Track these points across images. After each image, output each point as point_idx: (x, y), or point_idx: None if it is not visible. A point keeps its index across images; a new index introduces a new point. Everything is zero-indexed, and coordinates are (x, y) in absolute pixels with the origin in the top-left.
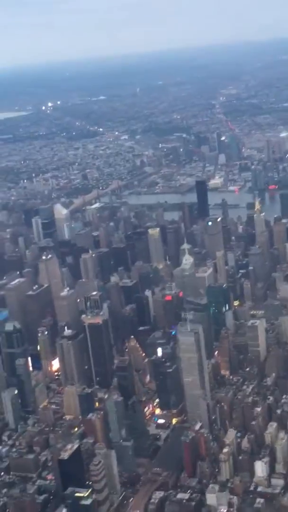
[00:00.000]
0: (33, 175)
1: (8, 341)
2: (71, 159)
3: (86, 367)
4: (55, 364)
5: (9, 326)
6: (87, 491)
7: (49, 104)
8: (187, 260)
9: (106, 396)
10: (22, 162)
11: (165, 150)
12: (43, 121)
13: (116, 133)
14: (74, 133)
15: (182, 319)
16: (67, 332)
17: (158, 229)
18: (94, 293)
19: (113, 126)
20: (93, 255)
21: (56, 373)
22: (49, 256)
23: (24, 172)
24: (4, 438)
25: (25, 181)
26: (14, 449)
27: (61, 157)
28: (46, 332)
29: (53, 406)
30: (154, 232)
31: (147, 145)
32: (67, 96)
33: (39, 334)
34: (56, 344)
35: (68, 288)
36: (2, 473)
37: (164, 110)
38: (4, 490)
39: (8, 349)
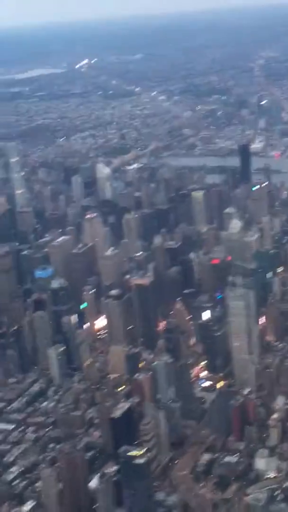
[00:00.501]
0: (74, 133)
1: (54, 299)
2: (108, 118)
3: (131, 327)
4: (99, 323)
5: (56, 284)
6: (141, 450)
7: (85, 62)
8: (236, 224)
9: (151, 357)
10: (58, 120)
11: (203, 112)
12: (78, 79)
13: (153, 93)
14: (110, 92)
15: (229, 283)
16: (114, 291)
17: (202, 192)
18: (139, 254)
19: (151, 86)
20: (136, 215)
21: (99, 332)
22: (94, 214)
23: (61, 130)
24: (50, 393)
25: (63, 139)
26: (60, 405)
27: (98, 116)
28: (92, 291)
29: (97, 365)
30: (198, 195)
31: (185, 107)
32: (102, 54)
33: (85, 293)
34: (101, 304)
35: (113, 248)
36: (49, 428)
37: (202, 72)
38: (52, 445)
39: (54, 306)
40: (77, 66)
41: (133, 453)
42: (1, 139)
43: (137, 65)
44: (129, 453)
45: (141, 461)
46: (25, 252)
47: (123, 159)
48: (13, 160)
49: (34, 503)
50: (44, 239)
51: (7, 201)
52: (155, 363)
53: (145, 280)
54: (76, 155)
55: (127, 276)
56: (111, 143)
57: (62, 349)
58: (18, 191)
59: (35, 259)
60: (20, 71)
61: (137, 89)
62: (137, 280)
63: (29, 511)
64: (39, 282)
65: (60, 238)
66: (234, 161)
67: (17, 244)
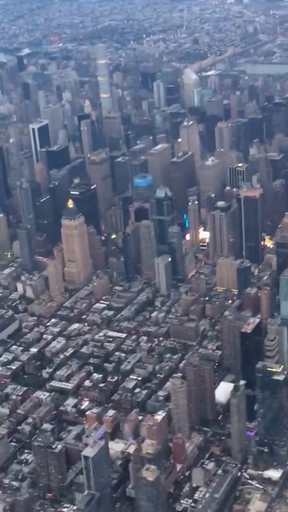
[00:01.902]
0: (143, 36)
1: (158, 208)
2: (177, 21)
3: (233, 240)
4: (200, 234)
5: (160, 193)
6: (280, 366)
7: None
8: None
9: (256, 272)
10: (125, 21)
11: (277, 17)
12: None
13: None
14: None
15: None
16: (221, 203)
17: None
18: (240, 164)
19: None
20: (229, 124)
21: (202, 244)
22: (191, 122)
23: (129, 33)
24: (157, 304)
25: (133, 42)
26: (170, 316)
27: (166, 18)
28: (196, 202)
29: (202, 277)
30: None
31: (257, 11)
32: None
33: (190, 203)
34: (208, 215)
35: (213, 158)
36: (161, 338)
37: None
38: (168, 355)
39: (158, 216)
40: None
41: (273, 369)
42: (70, 41)
43: None
44: (268, 368)
45: (280, 377)
46: (120, 159)
47: (200, 65)
48: (101, 62)
49: (165, 413)
50: (138, 146)
51: (91, 105)
52: (281, 277)
53: (255, 192)
54: (150, 59)
55: (228, 187)
56: (184, 48)
57: (168, 259)
58: (104, 95)
59: (132, 166)
60: None
61: None
62: (246, 192)
63: (161, 421)
64: (138, 191)
65: (158, 146)
66: None
67: (107, 150)
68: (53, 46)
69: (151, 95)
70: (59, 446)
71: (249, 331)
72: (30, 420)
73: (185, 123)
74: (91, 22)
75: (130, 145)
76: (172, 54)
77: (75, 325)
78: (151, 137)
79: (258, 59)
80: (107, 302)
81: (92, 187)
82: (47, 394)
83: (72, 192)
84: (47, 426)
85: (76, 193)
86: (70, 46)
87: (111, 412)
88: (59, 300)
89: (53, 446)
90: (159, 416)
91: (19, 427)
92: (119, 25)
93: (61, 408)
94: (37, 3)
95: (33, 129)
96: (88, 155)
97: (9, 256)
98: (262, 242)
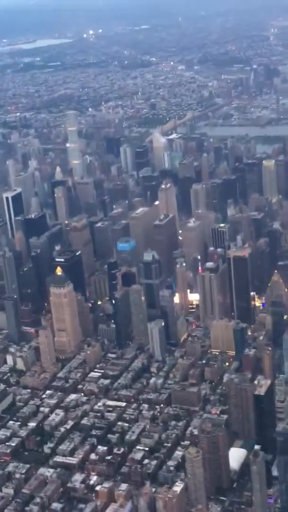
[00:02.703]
0: (100, 103)
1: (146, 272)
2: (131, 88)
3: (223, 301)
4: (189, 296)
5: (147, 256)
6: None
7: (91, 32)
8: None
9: (249, 332)
10: (80, 90)
11: (229, 81)
12: (89, 49)
13: (171, 63)
14: (126, 62)
15: None
16: (209, 264)
17: (273, 161)
18: (222, 224)
19: (165, 56)
20: (203, 186)
21: (191, 306)
22: (168, 185)
23: (86, 100)
24: (153, 370)
25: (91, 109)
26: (170, 382)
27: (120, 85)
28: (184, 263)
29: (196, 339)
30: (269, 164)
31: (209, 76)
32: (107, 25)
33: (178, 265)
34: (195, 276)
35: (193, 219)
36: (162, 405)
37: (216, 41)
38: (173, 422)
39: (147, 279)
40: (84, 36)
41: None
42: (27, 110)
43: (147, 36)
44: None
45: None
46: (99, 224)
47: (162, 129)
48: (71, 128)
49: (182, 484)
50: (116, 211)
51: (62, 172)
52: (284, 337)
53: (244, 251)
54: (110, 125)
55: (211, 248)
56: (143, 113)
57: (162, 324)
58: (75, 162)
59: (114, 231)
60: (27, 41)
61: (152, 59)
62: (235, 252)
63: (180, 492)
64: (122, 255)
65: (139, 210)
66: (274, 131)
67: (86, 216)
68: (10, 116)
69: (117, 160)
70: None
71: (262, 394)
72: (37, 500)
73: (163, 186)
74: (46, 91)
75: (106, 210)
76: (131, 119)
77: (72, 396)
78: (126, 201)
79: (217, 121)
80: (102, 371)
81: (77, 253)
82: (51, 470)
83: (57, 259)
84: (56, 505)
85: (61, 260)
86: (28, 115)
87: (123, 486)
88: (51, 370)
89: None
90: (178, 487)
91: (26, 508)
92: (75, 93)
93: (69, 484)
94: None
95: (7, 198)
96: (65, 222)
97: None
98: (252, 302)
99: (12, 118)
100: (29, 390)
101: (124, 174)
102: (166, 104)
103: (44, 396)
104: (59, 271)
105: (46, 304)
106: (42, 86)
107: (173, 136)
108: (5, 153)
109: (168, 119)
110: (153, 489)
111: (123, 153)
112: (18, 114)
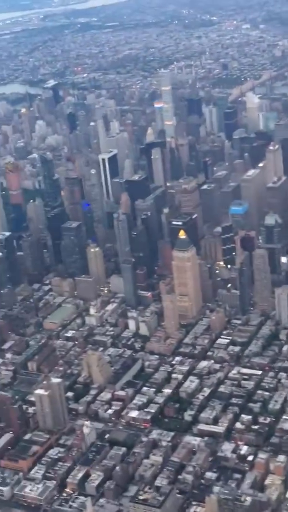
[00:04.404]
0: (168, 63)
1: (268, 236)
2: (198, 48)
3: None
4: None
5: (270, 220)
6: None
7: None
8: None
9: None
10: (145, 50)
11: None
12: (145, 9)
13: (235, 22)
14: (186, 22)
15: None
16: None
17: None
18: None
19: (226, 15)
20: None
21: None
22: (276, 146)
23: (152, 61)
24: (282, 337)
25: (161, 69)
26: None
27: (186, 46)
28: None
29: None
30: None
31: (277, 35)
32: None
33: None
34: None
35: None
36: None
37: None
38: None
39: (268, 244)
40: None
41: None
42: (94, 71)
43: None
44: None
45: None
46: (205, 187)
47: (240, 89)
48: (165, 88)
49: None
50: (220, 173)
51: (154, 132)
52: None
53: None
54: (184, 86)
55: None
56: (215, 74)
57: None
58: (168, 123)
59: (223, 194)
60: (79, 1)
61: (213, 18)
62: None
63: None
64: (235, 218)
65: (250, 171)
66: None
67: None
68: (78, 77)
69: (201, 121)
70: (248, 499)
71: None
72: (189, 468)
73: (271, 147)
74: (109, 52)
75: (207, 172)
76: (204, 80)
77: (204, 363)
78: (227, 163)
79: None
80: (229, 337)
81: (193, 216)
82: (198, 439)
83: (174, 222)
84: (210, 474)
85: (179, 223)
86: (96, 76)
87: (281, 458)
88: (176, 336)
89: (242, 499)
90: None
91: (179, 477)
92: (140, 54)
93: (219, 454)
94: (48, 35)
95: (103, 159)
96: (167, 184)
97: (106, 291)
98: None
99: (80, 79)
100: (156, 356)
101: (212, 136)
102: (237, 64)
103: (174, 362)
104: (182, 234)
105: (156, 268)
106: (104, 47)
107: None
108: (85, 115)
109: (243, 79)
110: None
111: (209, 114)
112: (85, 75)
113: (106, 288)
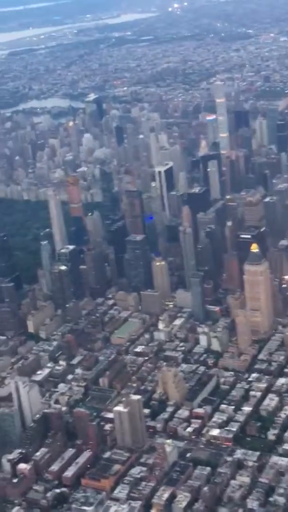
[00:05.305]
0: (209, 76)
1: None
2: (237, 61)
3: None
4: None
5: None
6: None
7: (176, 6)
8: None
9: None
10: (183, 63)
11: None
12: (179, 23)
13: (272, 34)
14: (223, 35)
15: None
16: None
17: None
18: None
19: (263, 27)
20: None
21: None
22: None
23: (192, 74)
24: None
25: (203, 82)
26: None
27: (225, 58)
28: None
29: None
30: None
31: None
32: None
33: None
34: None
35: None
36: None
37: None
38: None
39: None
40: (170, 9)
41: None
42: (134, 84)
43: (235, 7)
44: None
45: None
46: (267, 200)
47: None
48: (219, 101)
49: None
50: (281, 186)
51: (207, 145)
52: None
53: None
54: (228, 98)
55: None
56: (257, 86)
57: None
58: (223, 135)
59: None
60: (111, 16)
61: (249, 31)
62: None
63: None
64: None
65: None
66: None
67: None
68: (118, 90)
69: (249, 132)
70: None
71: None
72: (281, 490)
73: None
74: (147, 65)
75: (267, 184)
76: (247, 92)
77: (281, 380)
78: (286, 176)
79: None
80: None
81: (261, 229)
82: (285, 459)
83: (242, 236)
84: None
85: (248, 236)
86: (136, 89)
87: None
88: (249, 352)
89: None
90: None
91: (270, 499)
92: (179, 67)
93: None
94: (84, 50)
95: (159, 172)
96: (227, 196)
97: (171, 305)
98: None
99: (121, 92)
100: (231, 373)
101: (263, 148)
102: (279, 76)
103: (250, 379)
104: (254, 248)
105: (221, 281)
106: (142, 60)
107: None
108: (133, 128)
109: (286, 91)
110: None
111: (259, 126)
112: (125, 88)
113: (171, 303)
